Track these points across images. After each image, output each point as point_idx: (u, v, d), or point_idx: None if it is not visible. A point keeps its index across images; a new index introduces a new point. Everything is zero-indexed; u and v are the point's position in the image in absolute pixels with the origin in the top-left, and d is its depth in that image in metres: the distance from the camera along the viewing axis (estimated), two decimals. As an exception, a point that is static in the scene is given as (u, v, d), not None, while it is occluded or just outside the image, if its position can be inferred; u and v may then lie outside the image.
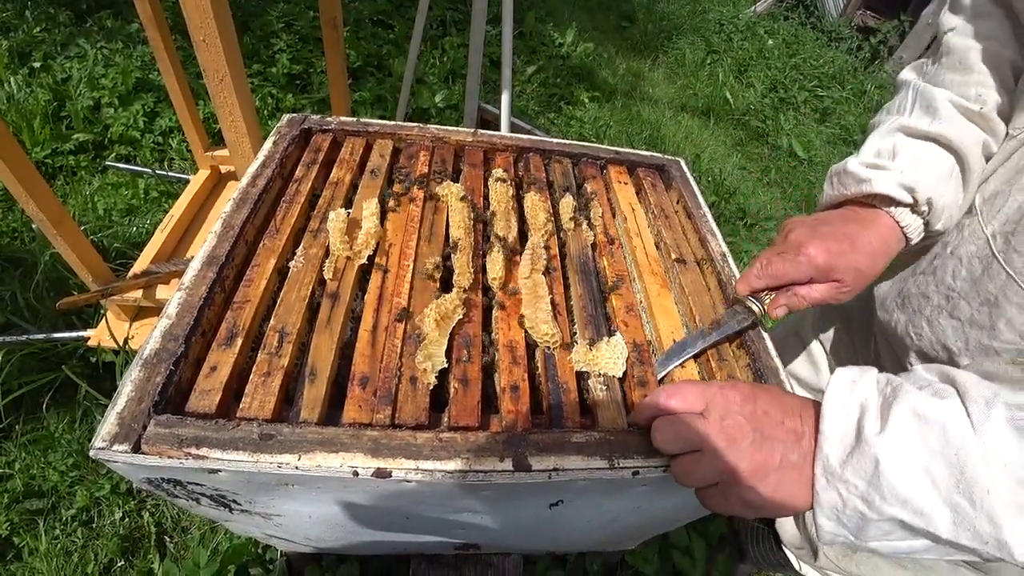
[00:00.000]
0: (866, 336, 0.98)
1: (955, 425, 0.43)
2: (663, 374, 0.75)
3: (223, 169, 2.04)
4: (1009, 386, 0.47)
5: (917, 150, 0.70)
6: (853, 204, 0.75)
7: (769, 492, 0.50)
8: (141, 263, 1.65)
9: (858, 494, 0.46)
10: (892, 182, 0.68)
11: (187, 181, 2.06)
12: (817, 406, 0.52)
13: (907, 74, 0.80)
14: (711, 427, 0.52)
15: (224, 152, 1.97)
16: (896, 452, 0.44)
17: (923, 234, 0.73)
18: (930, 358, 0.77)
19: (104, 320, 1.64)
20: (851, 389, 0.50)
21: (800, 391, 1.15)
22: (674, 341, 0.78)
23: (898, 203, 0.69)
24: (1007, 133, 0.71)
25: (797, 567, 1.28)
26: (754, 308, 0.74)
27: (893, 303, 0.82)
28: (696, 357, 0.76)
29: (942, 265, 0.74)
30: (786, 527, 1.29)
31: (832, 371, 1.08)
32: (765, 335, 0.80)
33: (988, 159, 0.71)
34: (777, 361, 0.77)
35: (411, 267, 0.80)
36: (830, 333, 1.10)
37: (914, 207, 0.69)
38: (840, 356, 1.08)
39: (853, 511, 0.46)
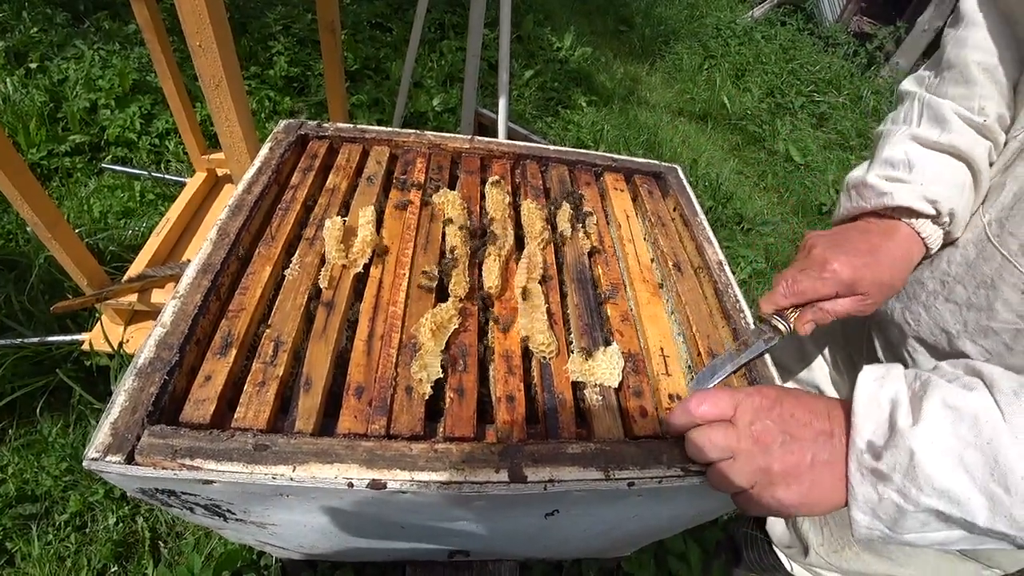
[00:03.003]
0: (859, 329, 1.00)
1: (986, 415, 0.45)
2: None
3: (219, 172, 2.03)
4: None
5: (932, 161, 0.72)
6: (870, 216, 0.76)
7: (804, 492, 0.51)
8: (136, 267, 1.65)
9: (894, 487, 0.46)
10: (914, 195, 0.69)
11: (183, 184, 2.06)
12: (845, 405, 0.53)
13: (909, 85, 0.81)
14: (741, 433, 0.54)
15: (221, 155, 1.96)
16: (931, 443, 0.45)
17: (942, 242, 0.74)
18: (929, 344, 0.79)
19: (99, 324, 1.63)
20: (880, 384, 0.50)
21: (791, 385, 1.16)
22: (704, 365, 0.76)
23: (919, 215, 0.71)
24: (1006, 140, 0.73)
25: (789, 568, 1.28)
26: (780, 327, 0.73)
27: None
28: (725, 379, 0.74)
29: (937, 253, 0.76)
30: (775, 528, 1.30)
31: (825, 366, 1.10)
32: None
33: (993, 158, 0.73)
34: (773, 371, 0.77)
35: (407, 276, 0.80)
36: (824, 327, 1.11)
37: (936, 218, 0.71)
38: (832, 350, 1.09)
39: (889, 504, 0.47)
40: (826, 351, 1.11)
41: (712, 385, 0.72)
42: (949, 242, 0.75)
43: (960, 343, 0.74)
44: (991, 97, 0.71)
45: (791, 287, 0.71)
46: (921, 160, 0.72)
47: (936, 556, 0.91)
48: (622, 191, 1.06)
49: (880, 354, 0.92)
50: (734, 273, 0.90)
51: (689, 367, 0.82)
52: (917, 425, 0.46)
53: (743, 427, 0.54)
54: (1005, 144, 0.73)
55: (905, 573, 1.00)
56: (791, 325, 0.73)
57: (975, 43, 0.72)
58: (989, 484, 0.43)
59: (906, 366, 0.83)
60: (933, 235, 0.72)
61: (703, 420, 0.57)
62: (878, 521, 0.49)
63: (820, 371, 1.11)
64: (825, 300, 0.72)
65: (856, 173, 0.78)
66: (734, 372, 0.73)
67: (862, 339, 0.99)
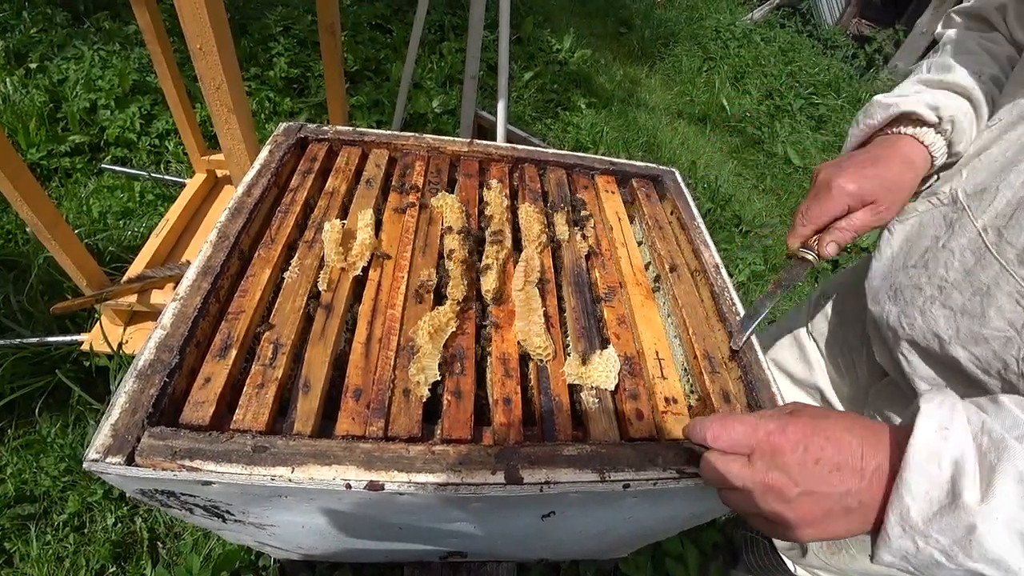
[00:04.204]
0: (860, 333, 1.00)
1: None
2: (742, 343, 0.80)
3: (219, 173, 2.04)
4: None
5: (936, 91, 0.78)
6: (877, 137, 0.81)
7: (817, 533, 0.51)
8: (136, 267, 1.65)
9: (939, 548, 0.44)
10: (918, 102, 0.74)
11: (183, 184, 2.06)
12: (885, 439, 0.49)
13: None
14: (756, 476, 0.51)
15: (220, 156, 1.97)
16: (997, 520, 0.42)
17: (946, 155, 0.77)
18: (921, 347, 0.80)
19: (98, 324, 1.63)
20: (944, 438, 0.46)
21: (792, 387, 1.17)
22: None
23: (923, 123, 0.75)
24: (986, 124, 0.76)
25: (792, 569, 1.29)
26: (808, 257, 0.78)
27: (885, 296, 0.84)
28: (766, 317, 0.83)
29: (934, 258, 0.76)
30: None
31: (826, 368, 1.10)
32: (757, 348, 0.81)
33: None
34: (768, 374, 0.78)
35: (405, 279, 0.80)
36: (824, 330, 1.12)
37: (938, 126, 0.75)
38: (834, 353, 1.09)
39: (927, 558, 0.45)
40: (827, 353, 1.12)
41: (754, 326, 0.80)
42: (953, 157, 0.78)
43: (951, 348, 0.74)
44: (990, 64, 0.78)
45: (806, 215, 0.77)
46: (925, 89, 0.78)
47: None
48: (613, 192, 1.07)
49: (877, 358, 0.93)
50: (732, 275, 0.92)
51: (685, 370, 0.83)
52: (986, 503, 0.43)
53: (759, 470, 0.51)
54: (983, 131, 0.77)
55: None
56: (816, 252, 0.77)
57: (974, 30, 0.82)
58: None
59: (899, 368, 0.85)
60: (936, 143, 0.75)
61: (720, 450, 0.55)
62: (906, 564, 0.47)
63: (820, 372, 1.12)
64: (840, 218, 0.76)
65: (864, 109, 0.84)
66: (773, 305, 0.81)
67: (862, 342, 0.99)
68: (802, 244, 0.79)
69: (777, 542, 1.31)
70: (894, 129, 0.78)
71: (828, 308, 1.11)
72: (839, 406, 1.08)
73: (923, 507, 0.45)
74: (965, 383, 0.75)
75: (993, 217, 0.69)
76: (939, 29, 0.90)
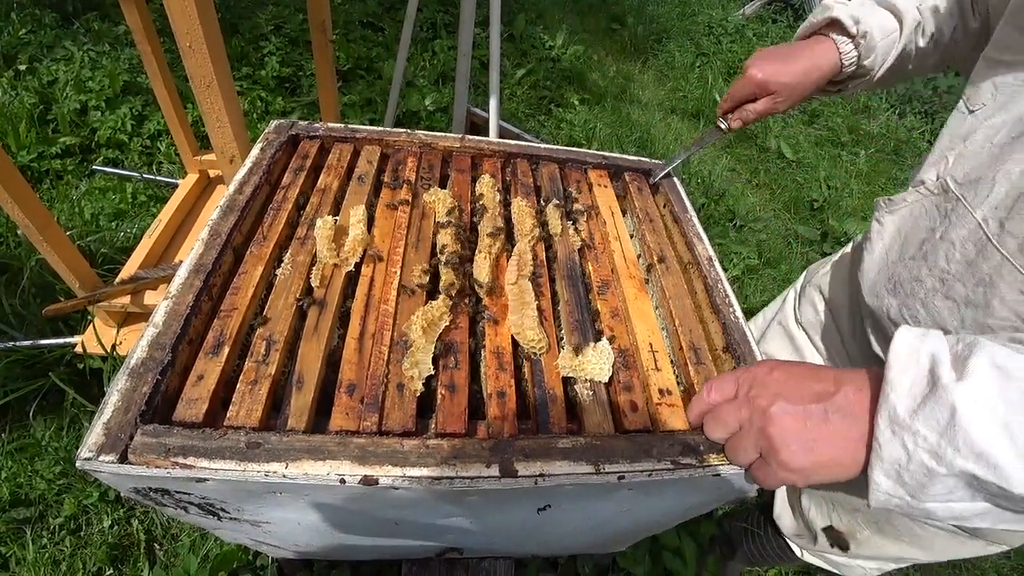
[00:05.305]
0: (853, 324, 1.01)
1: None
2: (661, 176, 1.08)
3: (212, 173, 2.03)
4: None
5: (873, 6, 0.89)
6: (815, 35, 0.94)
7: (806, 452, 0.52)
8: (128, 268, 1.64)
9: (927, 447, 0.44)
10: (845, 12, 0.87)
11: (175, 185, 2.05)
12: (861, 372, 0.52)
13: None
14: (741, 403, 0.57)
15: (213, 156, 1.96)
16: (975, 402, 0.43)
17: (853, 65, 0.90)
18: None
19: (91, 326, 1.62)
20: (921, 340, 0.49)
21: None
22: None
23: (844, 31, 0.87)
24: (967, 109, 0.78)
25: (799, 554, 1.29)
26: (721, 126, 0.97)
27: (883, 289, 0.84)
28: (684, 162, 1.03)
29: (933, 250, 0.76)
30: (784, 518, 1.30)
31: (818, 359, 1.10)
32: (751, 341, 0.81)
33: (918, 41, 0.90)
34: (759, 355, 0.78)
35: (398, 274, 0.80)
36: (813, 320, 1.13)
37: (854, 38, 0.87)
38: (827, 344, 1.10)
39: (919, 467, 0.45)
40: (820, 345, 1.12)
41: (671, 168, 1.07)
42: (861, 71, 0.90)
43: None
44: None
45: (728, 94, 0.95)
46: (865, 2, 0.89)
47: (946, 536, 0.93)
48: (606, 186, 1.07)
49: (876, 349, 0.93)
50: (727, 269, 0.92)
51: (673, 363, 0.83)
52: (962, 381, 0.44)
53: (742, 397, 0.57)
54: (964, 114, 0.78)
55: (915, 554, 1.00)
56: (729, 124, 0.96)
57: None
58: None
59: None
60: (847, 52, 0.88)
61: (715, 404, 0.61)
62: (901, 487, 0.47)
63: (812, 361, 1.12)
64: (749, 102, 0.93)
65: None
66: (688, 156, 1.06)
67: (855, 332, 1.00)
68: (721, 115, 0.97)
69: (783, 525, 1.30)
70: (825, 31, 0.90)
71: (816, 299, 1.12)
72: None
73: (908, 402, 0.46)
74: None
75: (993, 208, 0.69)
76: None
